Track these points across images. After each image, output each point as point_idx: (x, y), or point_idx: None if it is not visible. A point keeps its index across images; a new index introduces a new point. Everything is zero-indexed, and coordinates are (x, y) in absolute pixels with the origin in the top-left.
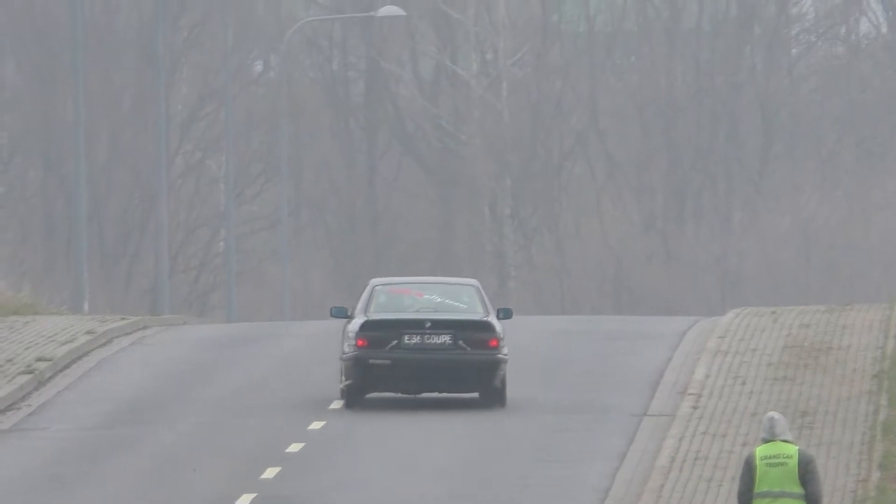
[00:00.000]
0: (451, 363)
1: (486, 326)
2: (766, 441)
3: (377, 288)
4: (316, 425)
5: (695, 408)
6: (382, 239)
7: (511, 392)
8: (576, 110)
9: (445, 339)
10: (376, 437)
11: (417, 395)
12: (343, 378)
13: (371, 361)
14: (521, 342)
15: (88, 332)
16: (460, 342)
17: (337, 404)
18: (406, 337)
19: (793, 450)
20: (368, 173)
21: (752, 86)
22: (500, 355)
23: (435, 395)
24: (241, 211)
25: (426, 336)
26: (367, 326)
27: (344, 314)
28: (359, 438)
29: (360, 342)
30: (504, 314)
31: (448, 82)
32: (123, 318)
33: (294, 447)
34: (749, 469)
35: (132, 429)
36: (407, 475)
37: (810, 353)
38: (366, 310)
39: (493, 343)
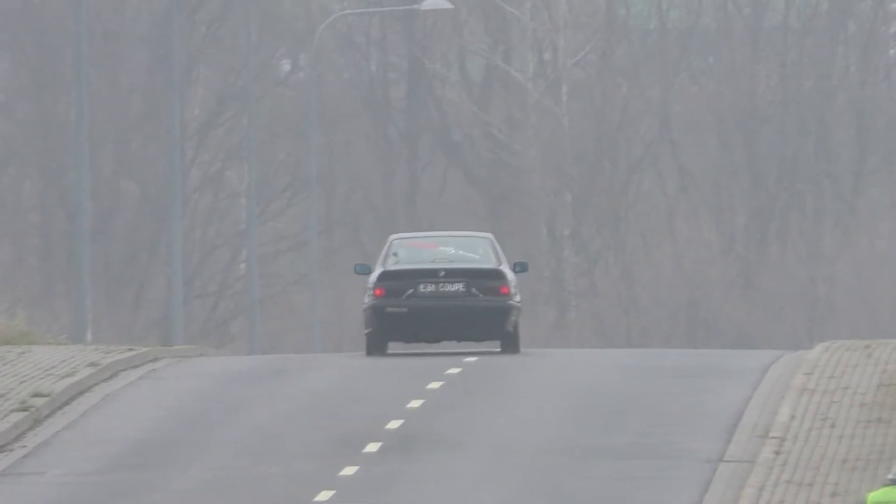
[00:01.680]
0: (464, 309)
1: (497, 274)
2: (890, 483)
3: (395, 242)
4: (348, 471)
5: (778, 453)
6: None
7: (568, 435)
8: (645, 117)
9: (459, 286)
10: (417, 486)
11: (463, 431)
12: (364, 327)
13: (388, 310)
14: (581, 378)
15: (91, 365)
16: (473, 290)
17: (373, 447)
18: (421, 286)
19: None
20: (410, 187)
21: (846, 91)
22: (511, 301)
23: (486, 435)
24: (265, 229)
25: (440, 284)
26: (384, 277)
27: (368, 270)
28: (398, 487)
29: (377, 292)
30: (521, 267)
31: (500, 85)
32: (130, 349)
33: (323, 495)
34: None
35: (139, 475)
36: None
37: None
38: (384, 262)
39: (504, 290)
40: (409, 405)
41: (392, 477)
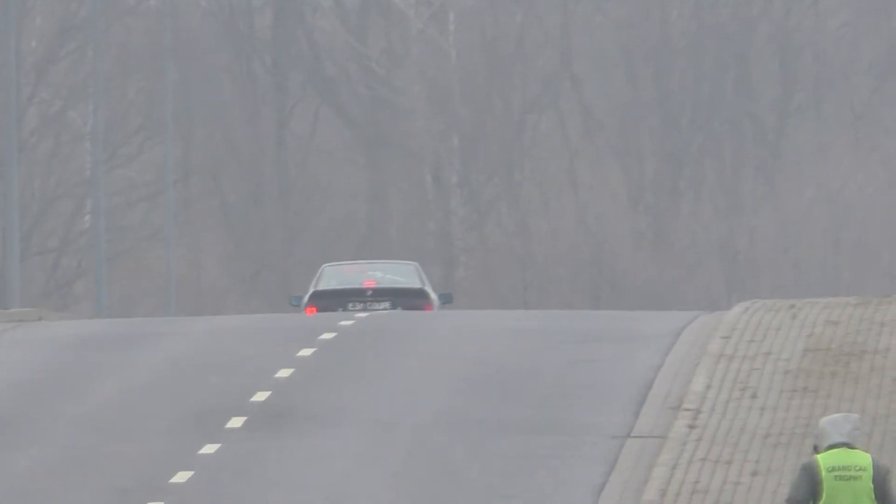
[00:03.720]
0: None
1: (421, 293)
2: (831, 446)
3: (326, 269)
4: (209, 449)
5: (692, 427)
6: (295, 215)
7: (458, 408)
8: (543, 50)
9: (386, 304)
10: (286, 465)
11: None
12: None
13: None
14: (472, 344)
15: None
16: (399, 308)
17: (237, 422)
18: (350, 304)
19: (866, 459)
20: (277, 130)
21: (768, 21)
22: None
23: (364, 409)
24: (114, 177)
25: (368, 303)
26: (315, 296)
27: (300, 300)
28: (263, 466)
29: (308, 310)
30: (445, 299)
31: (379, 13)
32: None
33: (181, 476)
34: (810, 480)
35: None
36: None
37: (838, 357)
38: (315, 285)
39: (428, 308)
40: (277, 375)
41: (257, 456)
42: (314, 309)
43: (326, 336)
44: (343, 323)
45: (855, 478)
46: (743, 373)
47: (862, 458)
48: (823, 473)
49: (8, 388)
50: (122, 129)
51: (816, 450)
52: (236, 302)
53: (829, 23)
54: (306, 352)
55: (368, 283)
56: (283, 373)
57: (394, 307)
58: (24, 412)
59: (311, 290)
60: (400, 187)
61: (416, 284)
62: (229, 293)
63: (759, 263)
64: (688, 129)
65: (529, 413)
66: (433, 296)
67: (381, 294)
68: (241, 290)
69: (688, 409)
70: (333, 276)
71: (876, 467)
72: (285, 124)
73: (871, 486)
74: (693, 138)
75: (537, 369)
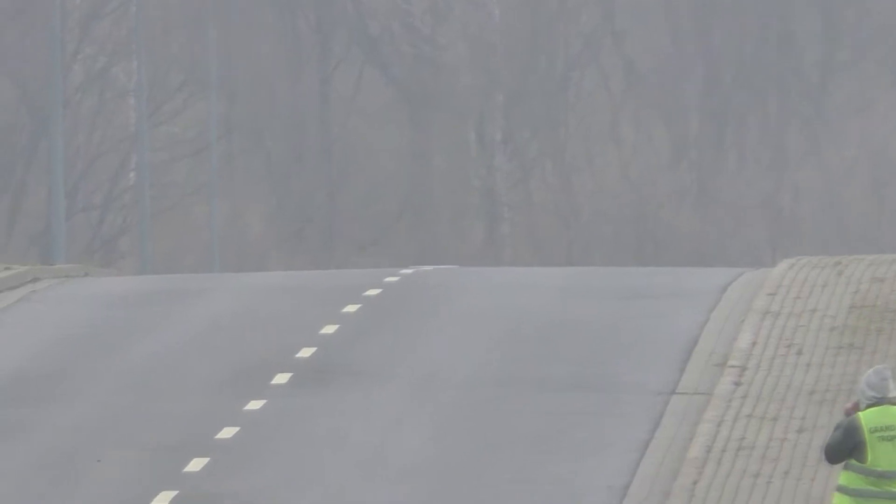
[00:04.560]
0: None
1: None
2: (873, 403)
3: None
4: (254, 405)
5: (737, 384)
6: (338, 172)
7: (501, 365)
8: (586, 6)
9: None
10: (332, 421)
11: (384, 360)
12: None
13: None
14: (515, 301)
15: None
16: None
17: (282, 378)
18: None
19: None
20: (320, 87)
21: None
22: None
23: (408, 365)
24: (158, 133)
25: None
26: None
27: None
28: (309, 422)
29: None
30: None
31: None
32: (7, 268)
33: (226, 433)
34: (852, 439)
35: (17, 411)
36: (369, 472)
37: (884, 314)
38: None
39: None
40: (322, 331)
41: (303, 412)
42: None
43: (371, 292)
44: (388, 279)
45: None
46: (788, 329)
47: None
48: (867, 434)
49: (54, 344)
50: (165, 85)
51: (857, 407)
52: (280, 258)
53: None
54: (351, 308)
55: None
56: (328, 329)
57: None
58: (69, 368)
59: None
60: (443, 145)
61: None
62: (272, 249)
63: (803, 220)
64: (731, 85)
65: (574, 369)
66: None
67: None
68: (284, 247)
69: (733, 366)
70: None
71: None
72: (328, 82)
73: None
74: (736, 94)
75: (581, 326)
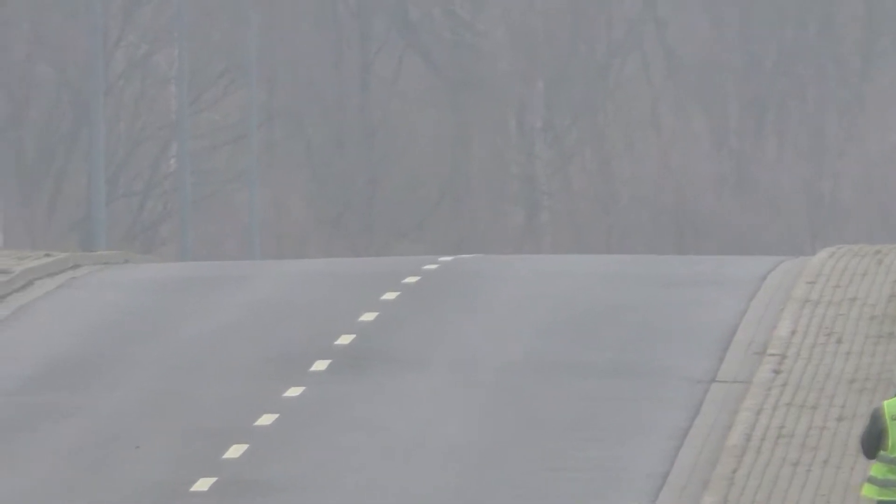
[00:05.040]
0: None
1: None
2: None
3: None
4: (293, 392)
5: (777, 372)
6: (378, 158)
7: (540, 351)
8: None
9: None
10: (370, 408)
11: (423, 348)
12: None
13: None
14: (555, 288)
15: (2, 272)
16: None
17: (321, 365)
18: None
19: None
20: (361, 74)
21: None
22: None
23: (448, 351)
24: (199, 120)
25: None
26: None
27: None
28: (347, 409)
29: None
30: None
31: None
32: (48, 255)
33: (265, 419)
34: (875, 427)
35: (58, 396)
36: (407, 458)
37: None
38: None
39: None
40: (361, 318)
41: (342, 398)
42: None
43: (410, 280)
44: (427, 267)
45: None
46: (828, 318)
47: None
48: (888, 420)
49: (95, 329)
50: (206, 72)
51: None
52: (320, 245)
53: None
54: (390, 295)
55: None
56: (367, 316)
57: None
58: (108, 354)
59: None
60: (483, 131)
61: None
62: (313, 236)
63: (844, 208)
64: (771, 73)
65: (613, 356)
66: None
67: None
68: (324, 233)
69: (773, 355)
70: None
71: None
72: (369, 68)
73: None
74: (777, 82)
75: (621, 313)
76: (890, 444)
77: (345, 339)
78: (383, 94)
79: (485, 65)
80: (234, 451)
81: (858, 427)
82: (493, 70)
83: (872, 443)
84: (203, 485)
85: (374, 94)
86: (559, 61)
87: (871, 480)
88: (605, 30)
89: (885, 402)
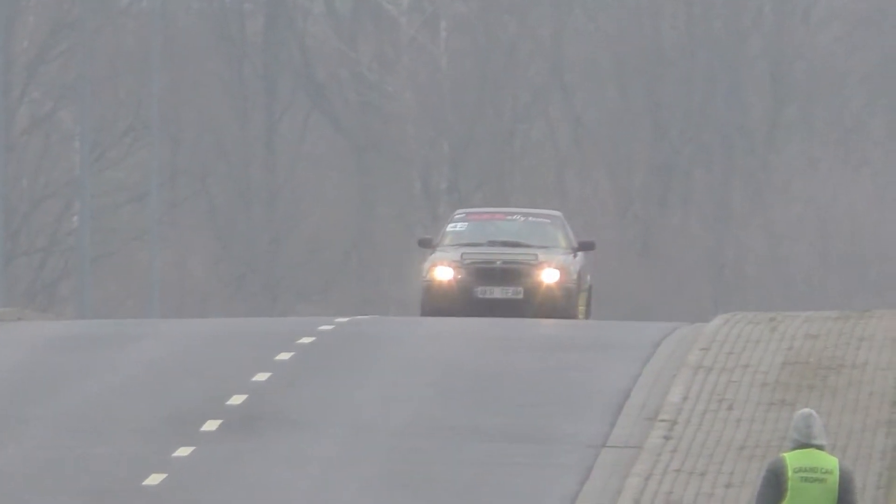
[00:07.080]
0: None
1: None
2: (798, 446)
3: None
4: (183, 452)
5: (667, 438)
6: (282, 219)
7: (434, 414)
8: (534, 59)
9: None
10: (261, 469)
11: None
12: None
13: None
14: (449, 350)
15: None
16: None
17: (212, 425)
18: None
19: (832, 463)
20: (266, 134)
21: (759, 34)
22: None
23: (341, 414)
24: (102, 178)
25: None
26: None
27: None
28: (237, 470)
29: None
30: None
31: (370, 19)
32: None
33: (153, 479)
34: (777, 480)
35: None
36: None
37: (816, 371)
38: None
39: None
40: (254, 378)
41: (232, 459)
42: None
43: (305, 340)
44: (323, 327)
45: (820, 480)
46: (721, 385)
47: (829, 461)
48: (790, 473)
49: None
50: (111, 130)
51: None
52: (222, 305)
53: (820, 36)
54: (284, 356)
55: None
56: (261, 376)
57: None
58: None
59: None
60: (388, 193)
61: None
62: (214, 296)
63: (747, 276)
64: (677, 141)
65: (505, 420)
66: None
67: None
68: (226, 293)
69: (664, 420)
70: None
71: (842, 471)
72: (275, 128)
73: (836, 489)
74: (683, 150)
75: (515, 376)
76: (788, 497)
77: (237, 399)
78: (288, 155)
79: (391, 127)
80: None
81: (747, 494)
82: (399, 132)
83: (769, 499)
84: None
85: (280, 154)
86: (465, 125)
87: None
88: (512, 95)
89: (786, 455)
